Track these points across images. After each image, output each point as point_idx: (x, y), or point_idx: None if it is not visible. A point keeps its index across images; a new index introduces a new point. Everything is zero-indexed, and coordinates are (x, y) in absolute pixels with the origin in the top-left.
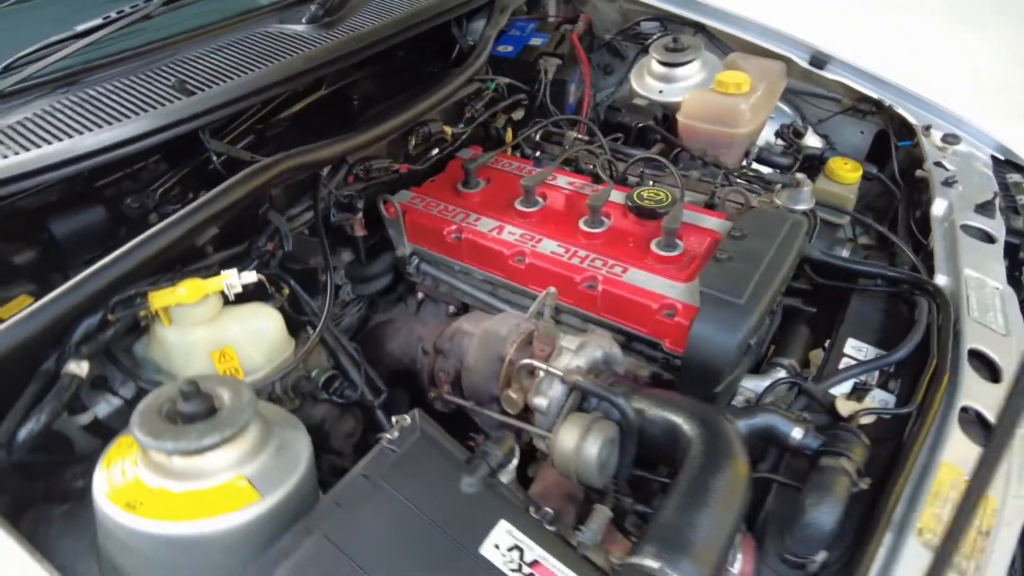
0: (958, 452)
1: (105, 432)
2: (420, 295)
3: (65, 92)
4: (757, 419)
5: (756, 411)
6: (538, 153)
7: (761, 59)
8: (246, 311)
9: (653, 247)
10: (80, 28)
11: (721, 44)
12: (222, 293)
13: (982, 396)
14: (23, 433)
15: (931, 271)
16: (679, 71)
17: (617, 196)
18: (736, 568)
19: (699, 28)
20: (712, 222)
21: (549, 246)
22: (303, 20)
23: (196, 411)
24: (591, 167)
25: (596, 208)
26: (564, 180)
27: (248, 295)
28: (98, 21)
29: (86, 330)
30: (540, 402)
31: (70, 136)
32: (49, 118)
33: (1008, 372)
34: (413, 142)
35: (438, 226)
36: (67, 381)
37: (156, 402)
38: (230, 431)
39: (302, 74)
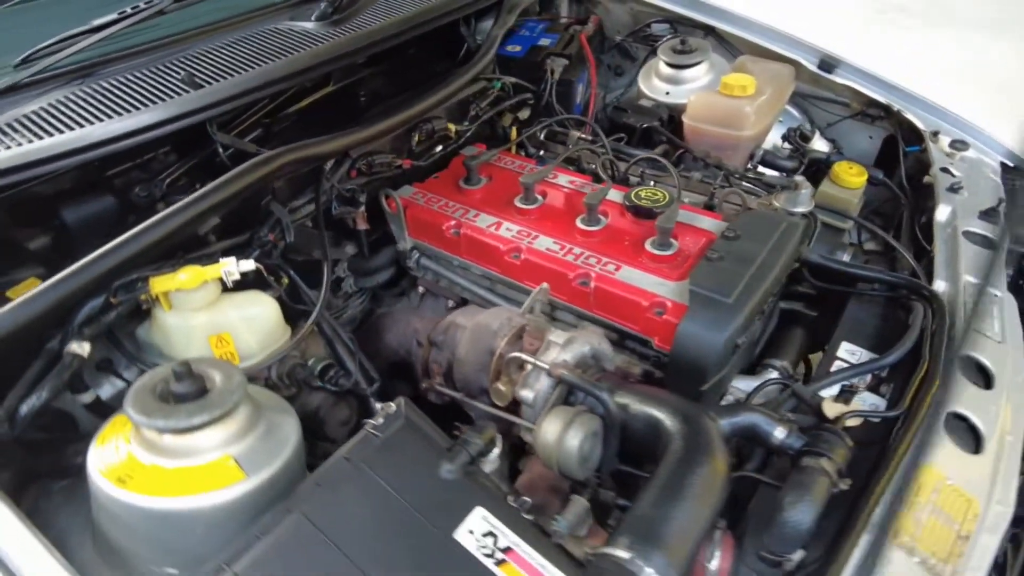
0: (943, 457)
1: (109, 412)
2: (421, 289)
3: (80, 84)
4: (740, 418)
5: (740, 410)
6: (542, 152)
7: (770, 62)
8: (244, 298)
9: (648, 246)
10: (96, 23)
11: (731, 47)
12: (220, 280)
13: (972, 402)
14: (24, 408)
15: (932, 277)
16: (686, 73)
17: (617, 196)
18: (714, 564)
19: (709, 31)
20: (708, 222)
21: (545, 243)
22: (312, 17)
23: (187, 391)
24: (592, 167)
25: (593, 206)
26: (565, 179)
27: (248, 284)
28: (113, 16)
29: (89, 312)
30: (527, 395)
31: (82, 126)
32: (64, 108)
33: (1002, 379)
34: (416, 138)
35: (438, 221)
36: (69, 360)
37: (150, 382)
38: (219, 412)
39: (308, 70)
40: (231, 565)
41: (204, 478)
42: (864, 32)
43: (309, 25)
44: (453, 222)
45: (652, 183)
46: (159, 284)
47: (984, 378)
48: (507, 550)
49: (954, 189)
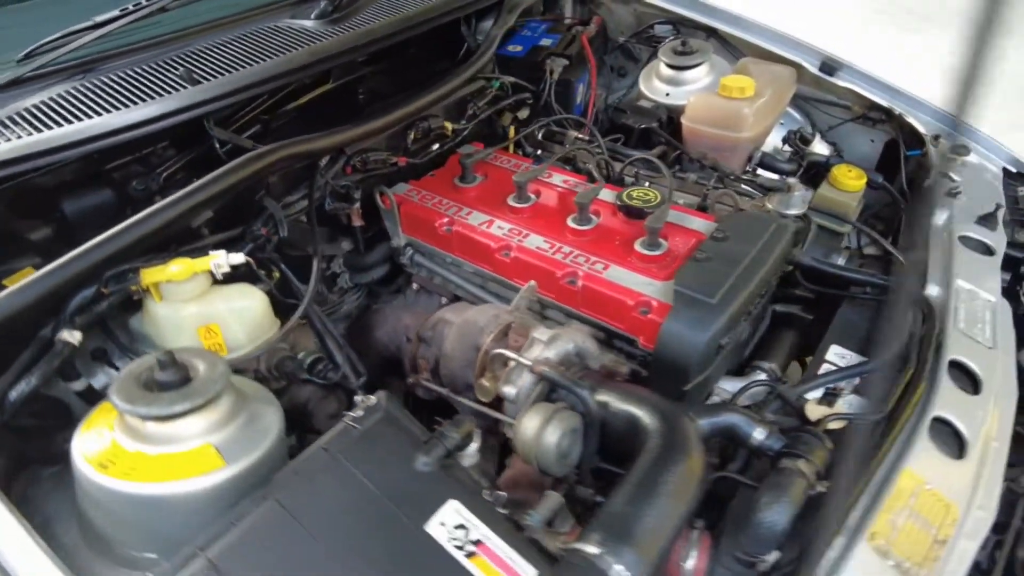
0: (923, 461)
1: (101, 400)
2: (415, 286)
3: (81, 79)
4: (720, 418)
5: (720, 410)
6: (540, 152)
7: (772, 64)
8: (233, 291)
9: (637, 246)
10: (98, 19)
11: (733, 49)
12: (210, 272)
13: (957, 407)
14: (14, 394)
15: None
16: (687, 74)
17: (611, 196)
18: (690, 564)
19: (711, 32)
20: (699, 223)
21: (535, 241)
22: (312, 15)
23: (171, 380)
24: (587, 166)
25: (583, 206)
26: (559, 178)
27: (241, 277)
28: (115, 13)
29: (80, 302)
30: (509, 391)
31: (80, 120)
32: (64, 102)
33: (990, 384)
34: (412, 136)
35: (431, 218)
36: (59, 348)
37: (136, 371)
38: (200, 400)
39: (305, 67)
40: (205, 550)
41: (184, 465)
42: (864, 33)
43: (308, 23)
44: (446, 219)
45: (647, 184)
46: (150, 275)
47: (972, 383)
48: (478, 543)
49: (952, 194)
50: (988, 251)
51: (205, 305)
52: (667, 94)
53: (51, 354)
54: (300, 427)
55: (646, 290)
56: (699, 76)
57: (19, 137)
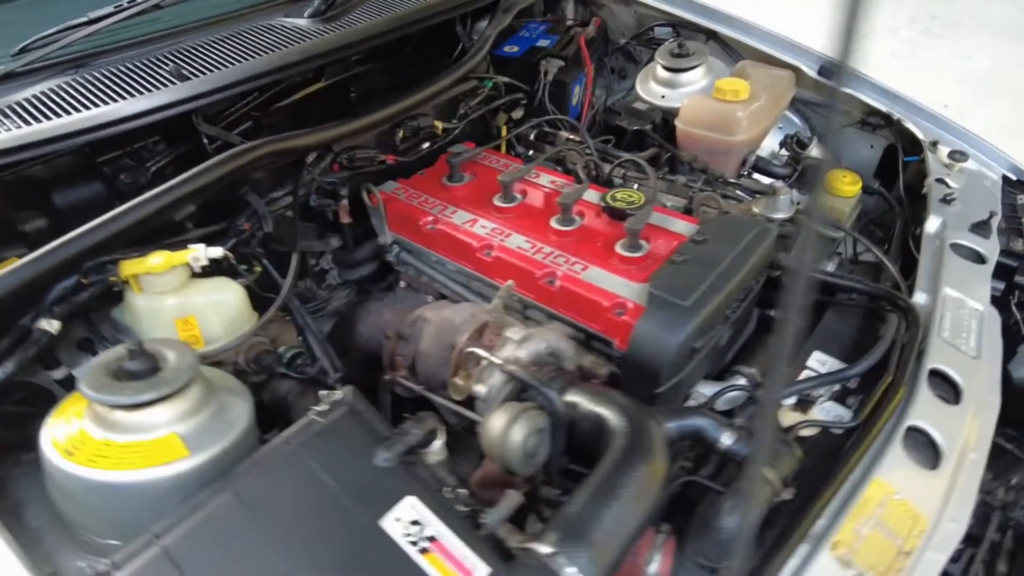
0: (894, 470)
1: None
2: (403, 284)
3: (73, 73)
4: (688, 421)
5: (688, 414)
6: (531, 152)
7: (771, 68)
8: (211, 284)
9: (618, 247)
10: (93, 15)
11: (733, 52)
12: (189, 265)
13: (935, 417)
14: None
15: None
16: (683, 77)
17: (597, 197)
18: (653, 568)
19: (711, 35)
20: (682, 226)
21: (517, 241)
22: (306, 14)
23: (139, 369)
24: (575, 167)
25: (566, 206)
26: (547, 179)
27: (224, 271)
28: (110, 9)
29: (60, 292)
30: (480, 389)
31: (69, 113)
32: (55, 96)
33: (970, 395)
34: (401, 135)
35: (416, 216)
36: (37, 336)
37: (106, 360)
38: (166, 390)
39: (294, 65)
40: (161, 537)
41: (148, 454)
42: (897, 41)
43: (301, 22)
44: (431, 218)
45: (636, 185)
46: (129, 267)
47: (954, 393)
48: (432, 539)
49: (947, 200)
50: (980, 259)
51: (183, 297)
52: (663, 96)
53: (29, 342)
54: (281, 421)
55: (623, 292)
56: (695, 78)
57: (8, 130)
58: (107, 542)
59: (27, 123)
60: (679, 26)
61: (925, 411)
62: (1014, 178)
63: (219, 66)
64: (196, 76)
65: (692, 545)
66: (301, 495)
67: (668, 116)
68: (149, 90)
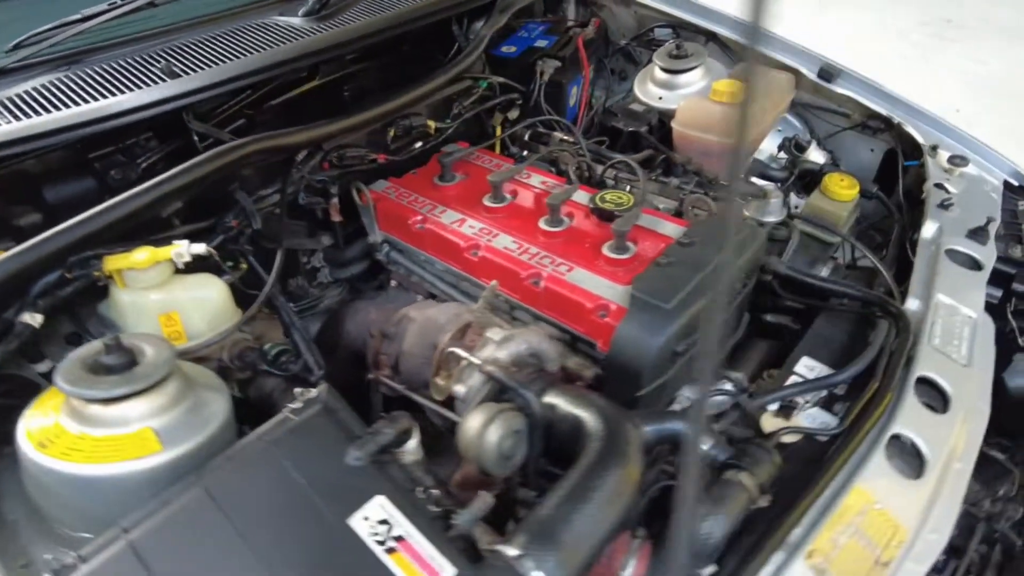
0: (876, 479)
1: None
2: (393, 283)
3: (66, 70)
4: (666, 425)
5: (667, 417)
6: (525, 152)
7: (770, 70)
8: (194, 280)
9: (605, 249)
10: (86, 12)
11: (732, 53)
12: (172, 261)
13: (920, 425)
14: None
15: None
16: (680, 78)
17: (587, 198)
18: (627, 573)
19: (711, 37)
20: (671, 228)
21: (504, 241)
22: (300, 13)
23: (116, 364)
24: (567, 168)
25: (555, 207)
26: (538, 179)
27: (210, 268)
28: (104, 6)
29: (44, 286)
30: (459, 389)
31: (59, 109)
32: (46, 92)
33: (959, 403)
34: (392, 134)
35: (405, 215)
36: (20, 329)
37: (83, 354)
38: (140, 384)
39: (285, 63)
40: (128, 531)
41: (121, 448)
42: (907, 44)
43: (295, 20)
44: (419, 217)
45: (628, 187)
46: (112, 262)
47: (942, 401)
48: (399, 539)
49: (944, 206)
50: (976, 266)
51: (166, 293)
52: (660, 98)
53: (11, 335)
54: (268, 417)
55: (606, 293)
56: (693, 80)
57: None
58: (80, 535)
59: (17, 118)
60: (679, 27)
61: (911, 419)
62: (1016, 183)
63: (210, 64)
64: (187, 73)
65: (667, 551)
66: (270, 492)
67: (665, 117)
68: (140, 87)
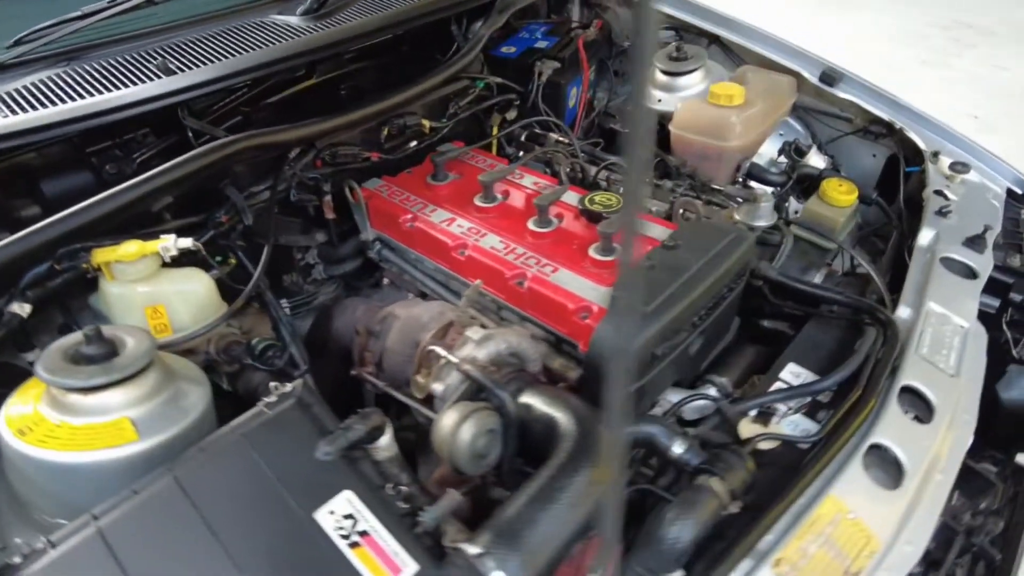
0: (852, 488)
1: None
2: (386, 280)
3: (65, 66)
4: (640, 428)
5: (640, 421)
6: (521, 153)
7: (772, 73)
8: (180, 274)
9: (591, 251)
10: (86, 9)
11: (735, 56)
12: (159, 255)
13: (902, 435)
14: None
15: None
16: (680, 80)
17: (576, 199)
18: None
19: (714, 39)
20: (659, 231)
21: (491, 241)
22: (298, 12)
23: (96, 354)
24: (559, 169)
25: (543, 208)
26: (530, 180)
27: (200, 263)
28: (103, 3)
29: (33, 277)
30: (437, 388)
31: (55, 104)
32: (44, 87)
33: (943, 414)
34: (386, 132)
35: (396, 214)
36: (7, 318)
37: (64, 344)
38: (118, 374)
39: (279, 62)
40: (99, 518)
41: (98, 436)
42: (928, 49)
43: (293, 19)
44: (409, 215)
45: (621, 189)
46: (100, 255)
47: (927, 411)
48: (364, 534)
49: (943, 213)
50: (971, 274)
51: (153, 286)
52: (659, 100)
53: None
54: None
55: (590, 295)
56: (693, 82)
57: None
58: (57, 521)
59: (15, 112)
60: (682, 30)
61: (892, 428)
62: (1019, 191)
63: (206, 61)
64: (182, 70)
65: (637, 555)
66: (239, 484)
67: (664, 120)
68: (136, 83)
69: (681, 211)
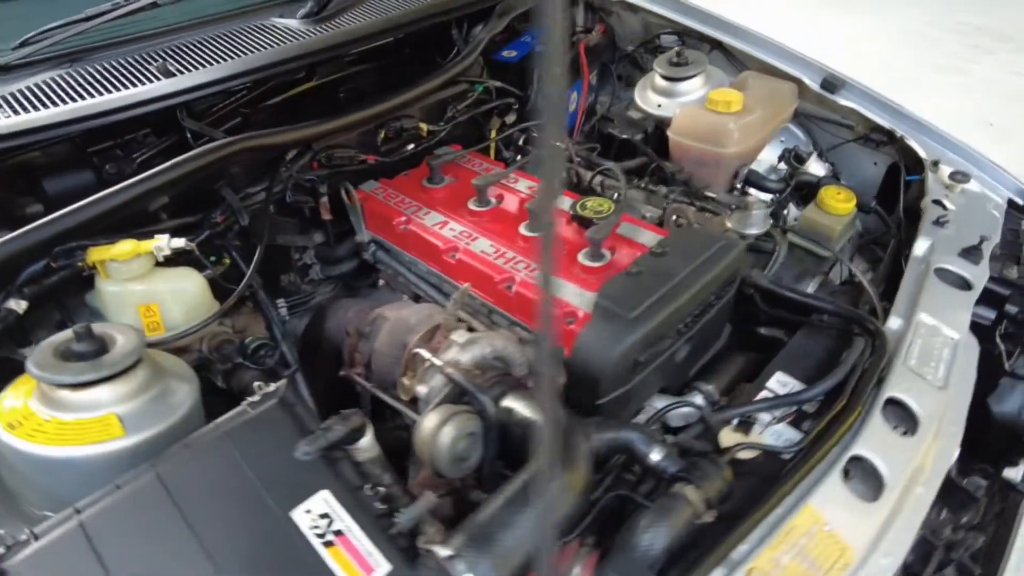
0: (829, 499)
1: None
2: (381, 282)
3: (67, 68)
4: (619, 434)
5: (620, 427)
6: (518, 157)
7: (773, 79)
8: (173, 273)
9: (580, 256)
10: (90, 12)
11: (737, 62)
12: (153, 254)
13: (884, 446)
14: None
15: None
16: (680, 86)
17: (569, 204)
18: None
19: (716, 45)
20: (649, 237)
21: (482, 245)
22: (298, 15)
23: (85, 351)
24: None
25: (535, 213)
26: (524, 184)
27: (195, 263)
28: (107, 6)
29: (30, 274)
30: (421, 390)
31: (56, 105)
32: (48, 88)
33: (928, 427)
34: (383, 135)
35: (391, 216)
36: (3, 314)
37: (55, 341)
38: (107, 371)
39: (278, 64)
40: (81, 512)
41: (85, 432)
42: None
43: (293, 22)
44: (403, 218)
45: (615, 195)
46: (95, 253)
47: (912, 423)
48: (339, 533)
49: (940, 223)
50: (965, 285)
51: (147, 285)
52: (659, 105)
53: None
54: None
55: (576, 300)
56: (693, 88)
57: None
58: (43, 514)
59: (17, 113)
60: (685, 35)
61: (875, 440)
62: (1020, 202)
63: (206, 63)
64: (182, 72)
65: (612, 560)
66: (219, 481)
67: (662, 125)
68: (136, 84)
69: (673, 217)
